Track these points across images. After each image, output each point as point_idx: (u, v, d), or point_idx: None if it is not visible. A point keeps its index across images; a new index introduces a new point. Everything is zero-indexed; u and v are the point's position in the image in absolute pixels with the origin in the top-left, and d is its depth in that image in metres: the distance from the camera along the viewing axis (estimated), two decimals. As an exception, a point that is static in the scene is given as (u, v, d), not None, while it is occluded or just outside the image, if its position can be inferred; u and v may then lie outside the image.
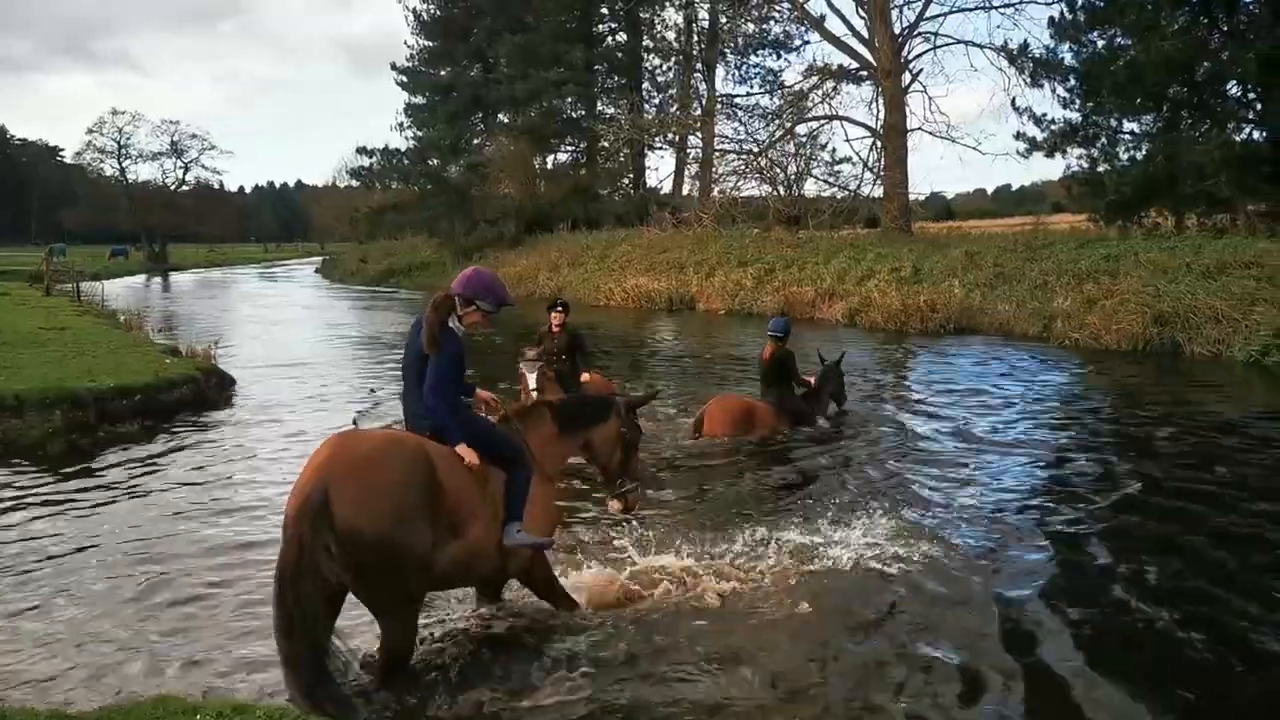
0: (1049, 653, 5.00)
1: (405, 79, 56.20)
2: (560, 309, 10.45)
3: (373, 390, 13.89)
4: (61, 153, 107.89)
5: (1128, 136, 25.10)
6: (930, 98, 35.54)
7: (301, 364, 17.38)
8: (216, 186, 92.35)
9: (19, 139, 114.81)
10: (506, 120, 51.53)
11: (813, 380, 11.07)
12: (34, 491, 8.23)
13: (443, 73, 55.11)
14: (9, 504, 7.82)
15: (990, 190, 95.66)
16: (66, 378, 11.33)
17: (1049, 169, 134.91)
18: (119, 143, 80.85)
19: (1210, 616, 5.40)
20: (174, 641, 5.20)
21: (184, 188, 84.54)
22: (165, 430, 10.89)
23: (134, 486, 8.51)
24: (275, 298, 41.54)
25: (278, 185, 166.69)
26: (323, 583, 4.13)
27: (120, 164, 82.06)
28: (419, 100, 56.13)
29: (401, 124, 55.95)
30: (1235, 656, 4.92)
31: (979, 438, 10.42)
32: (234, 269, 77.17)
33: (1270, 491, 7.94)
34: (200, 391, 12.47)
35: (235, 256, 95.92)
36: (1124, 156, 25.00)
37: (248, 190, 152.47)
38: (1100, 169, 25.27)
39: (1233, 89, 23.22)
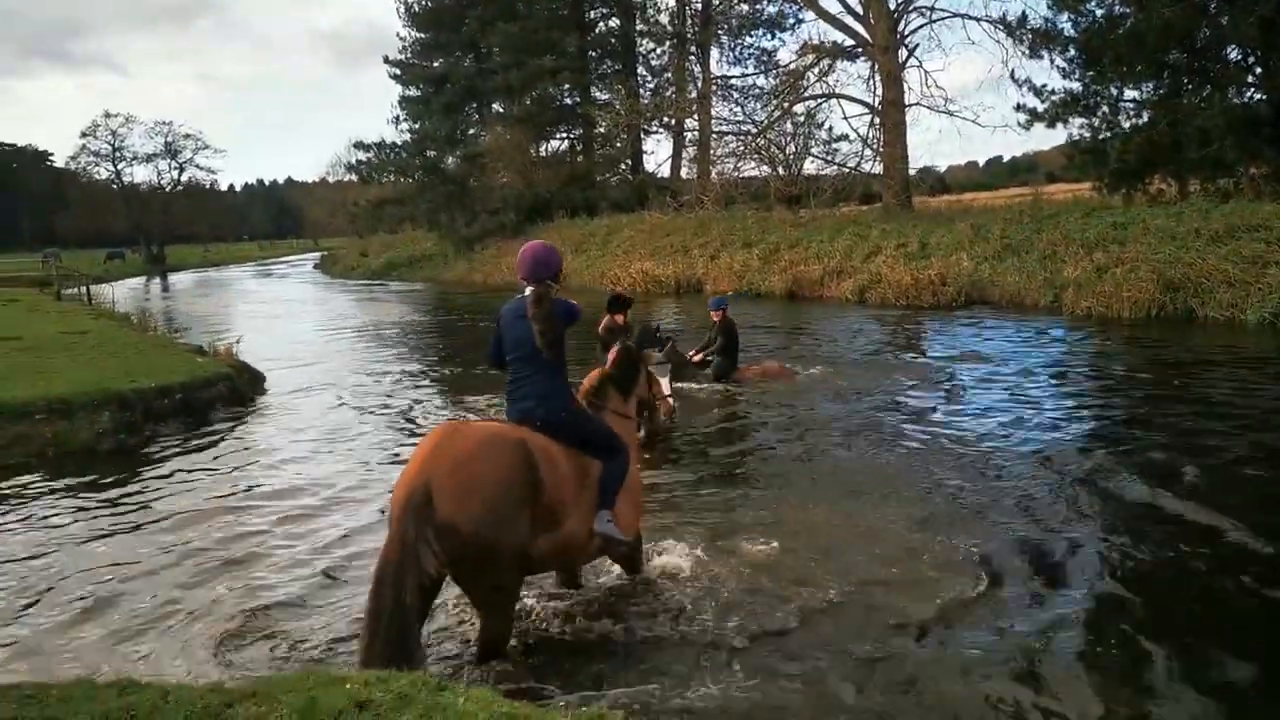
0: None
1: (398, 72, 56.09)
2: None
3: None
4: (51, 157, 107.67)
5: (1129, 104, 25.21)
6: (927, 72, 35.82)
7: (322, 357, 17.58)
8: (209, 186, 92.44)
9: (8, 145, 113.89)
10: (501, 109, 51.43)
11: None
12: (90, 496, 8.35)
13: (436, 64, 54.93)
14: (71, 508, 7.96)
15: (982, 163, 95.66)
16: (104, 380, 11.43)
17: (1041, 140, 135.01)
18: (114, 146, 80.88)
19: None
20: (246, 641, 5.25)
21: (178, 188, 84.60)
22: (209, 426, 11.08)
23: (191, 482, 8.67)
24: (279, 295, 41.51)
25: (267, 183, 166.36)
26: (425, 578, 4.17)
27: (115, 167, 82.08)
28: (413, 93, 56.03)
29: (397, 117, 56.07)
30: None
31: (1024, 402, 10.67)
32: (231, 268, 77.08)
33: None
34: (235, 388, 12.62)
35: (231, 255, 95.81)
36: (1126, 124, 25.12)
37: (238, 189, 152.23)
38: (1102, 137, 25.39)
39: (1233, 54, 23.31)
